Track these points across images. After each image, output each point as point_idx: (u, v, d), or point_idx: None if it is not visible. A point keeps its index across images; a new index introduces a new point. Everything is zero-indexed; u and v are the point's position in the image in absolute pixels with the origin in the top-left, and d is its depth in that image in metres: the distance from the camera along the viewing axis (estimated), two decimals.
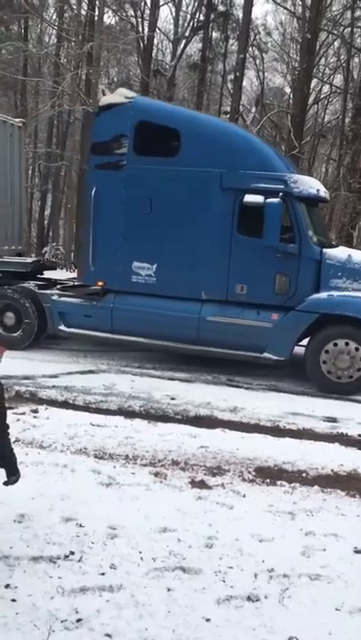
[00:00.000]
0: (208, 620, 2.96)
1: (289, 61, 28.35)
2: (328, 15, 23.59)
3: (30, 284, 9.06)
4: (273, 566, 3.45)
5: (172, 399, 6.86)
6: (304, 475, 4.92)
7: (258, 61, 27.67)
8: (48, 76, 25.76)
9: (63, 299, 8.74)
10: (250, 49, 24.61)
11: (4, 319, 8.93)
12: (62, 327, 8.70)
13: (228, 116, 21.57)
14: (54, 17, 26.99)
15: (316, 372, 7.67)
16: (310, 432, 6.12)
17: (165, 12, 40.50)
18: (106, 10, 24.08)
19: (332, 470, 5.03)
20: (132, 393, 7.00)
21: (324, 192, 8.29)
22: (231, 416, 6.46)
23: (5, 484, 3.31)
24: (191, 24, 26.00)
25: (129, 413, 6.31)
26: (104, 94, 8.53)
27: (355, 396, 7.46)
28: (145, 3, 24.58)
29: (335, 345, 7.54)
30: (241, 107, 22.99)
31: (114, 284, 8.36)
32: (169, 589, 3.18)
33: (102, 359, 8.69)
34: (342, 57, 26.63)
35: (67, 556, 3.40)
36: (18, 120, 11.23)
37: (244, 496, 4.42)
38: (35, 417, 5.83)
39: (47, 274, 10.15)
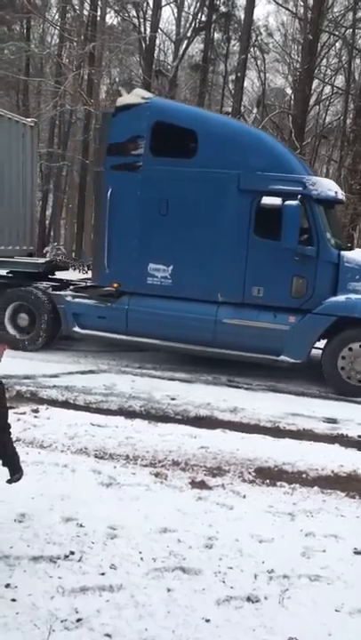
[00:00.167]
0: (208, 620, 2.96)
1: (290, 62, 28.40)
2: (330, 16, 23.64)
3: (44, 285, 8.98)
4: (273, 567, 3.46)
5: (173, 399, 6.86)
6: (304, 475, 4.92)
7: (259, 62, 27.70)
8: (50, 76, 25.82)
9: (77, 300, 8.66)
10: (251, 50, 24.64)
11: (17, 320, 8.86)
12: (76, 328, 8.64)
13: (230, 116, 21.54)
14: (56, 17, 27.06)
15: (333, 375, 7.61)
16: (310, 433, 6.12)
17: (167, 13, 40.58)
18: (108, 10, 24.15)
19: (332, 471, 5.03)
20: (132, 393, 7.01)
21: (341, 194, 8.22)
22: (231, 416, 6.46)
23: (9, 481, 3.33)
24: (193, 25, 26.05)
25: (129, 413, 6.31)
26: (121, 95, 8.46)
27: (355, 397, 7.46)
28: (147, 3, 24.64)
29: (350, 350, 7.48)
30: (242, 107, 23.03)
31: (129, 285, 8.30)
32: (169, 590, 3.18)
33: (103, 359, 8.69)
34: (344, 58, 26.67)
35: (67, 556, 3.41)
36: (30, 120, 11.18)
37: (244, 497, 4.42)
38: (35, 417, 5.84)
39: (58, 274, 10.06)
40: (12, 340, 8.55)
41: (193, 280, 7.97)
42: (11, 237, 10.13)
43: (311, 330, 7.58)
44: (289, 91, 29.27)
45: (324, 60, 26.61)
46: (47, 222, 31.32)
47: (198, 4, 25.96)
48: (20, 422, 5.47)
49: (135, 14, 25.84)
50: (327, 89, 28.27)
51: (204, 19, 26.00)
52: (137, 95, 8.32)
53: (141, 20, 25.69)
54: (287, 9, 26.45)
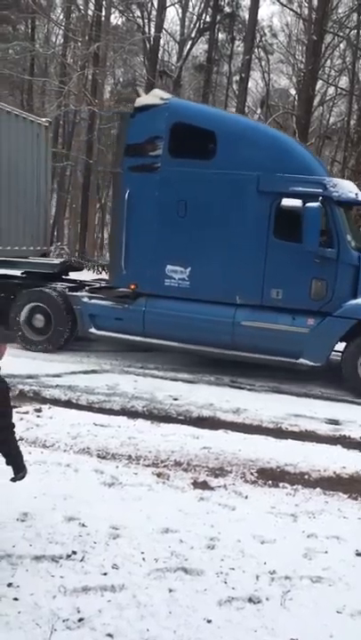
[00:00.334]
0: (209, 621, 2.97)
1: (294, 63, 28.36)
2: (334, 17, 23.58)
3: (60, 286, 8.95)
4: (275, 568, 3.46)
5: (175, 400, 6.86)
6: (306, 477, 4.92)
7: (263, 63, 27.73)
8: (54, 76, 25.83)
9: (94, 301, 8.63)
10: (255, 50, 24.65)
11: (33, 321, 8.81)
12: (92, 330, 8.61)
13: None
14: (61, 17, 27.09)
15: (353, 378, 7.57)
16: (313, 434, 6.12)
17: (172, 14, 40.58)
18: (112, 10, 24.18)
19: (335, 472, 5.03)
20: (135, 393, 7.01)
21: None
22: (234, 417, 6.46)
23: (12, 480, 3.34)
24: (197, 25, 26.04)
25: (132, 413, 6.32)
26: (139, 95, 8.44)
27: (357, 399, 7.45)
28: (152, 4, 24.63)
29: None
30: (246, 108, 23.03)
31: (146, 287, 8.27)
32: (171, 590, 3.19)
33: (105, 359, 8.70)
34: (348, 59, 26.60)
35: (69, 556, 3.41)
36: (44, 120, 11.16)
37: (246, 497, 4.42)
38: (38, 416, 5.85)
39: (70, 275, 10.01)
40: (12, 337, 8.54)
41: (211, 282, 7.91)
42: (25, 238, 10.11)
43: (331, 333, 7.52)
44: (293, 91, 29.27)
45: (329, 61, 26.60)
46: (51, 222, 31.37)
47: (203, 5, 25.96)
48: (23, 422, 5.48)
49: (140, 15, 25.84)
50: (331, 90, 28.23)
51: (208, 19, 26.00)
52: (155, 96, 8.29)
53: (146, 21, 25.69)
54: (292, 10, 26.41)
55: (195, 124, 7.96)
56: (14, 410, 3.43)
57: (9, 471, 3.35)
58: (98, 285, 9.46)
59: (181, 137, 7.92)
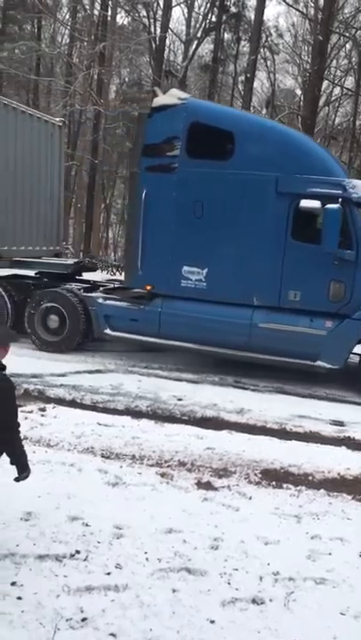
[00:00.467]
0: (213, 621, 2.96)
1: (300, 63, 28.36)
2: (340, 17, 23.55)
3: (75, 287, 8.91)
4: (278, 569, 3.45)
5: (179, 400, 6.86)
6: (310, 478, 4.91)
7: (269, 63, 27.71)
8: (60, 76, 25.89)
9: (109, 302, 8.60)
10: (261, 50, 24.62)
11: (47, 322, 8.76)
12: (107, 331, 8.58)
13: None
14: (67, 17, 27.13)
15: None
16: (317, 435, 6.10)
17: (178, 13, 40.65)
18: (118, 10, 24.19)
19: (339, 474, 5.01)
20: (139, 393, 7.02)
21: None
22: (238, 418, 6.46)
23: (16, 480, 3.34)
24: (203, 25, 26.01)
25: (136, 413, 6.32)
26: (156, 95, 8.34)
27: None
28: (157, 3, 24.63)
29: None
30: (252, 108, 23.00)
31: (162, 288, 8.23)
32: (174, 590, 3.18)
33: (110, 359, 8.70)
34: (354, 59, 26.59)
35: (72, 555, 3.42)
36: (58, 119, 11.15)
37: (250, 498, 4.42)
38: (42, 415, 5.86)
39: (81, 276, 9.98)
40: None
41: (228, 283, 7.86)
42: (38, 237, 10.09)
43: (349, 335, 7.46)
44: (298, 92, 29.26)
45: (334, 62, 26.58)
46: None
47: (208, 5, 25.94)
48: (28, 421, 5.48)
49: (145, 14, 25.85)
50: (337, 90, 28.20)
51: (214, 19, 25.98)
52: (173, 96, 8.24)
53: (152, 21, 25.69)
54: (298, 10, 26.38)
55: (213, 124, 7.90)
56: (19, 409, 3.43)
57: (13, 471, 3.36)
58: (112, 286, 9.43)
59: (199, 137, 7.86)
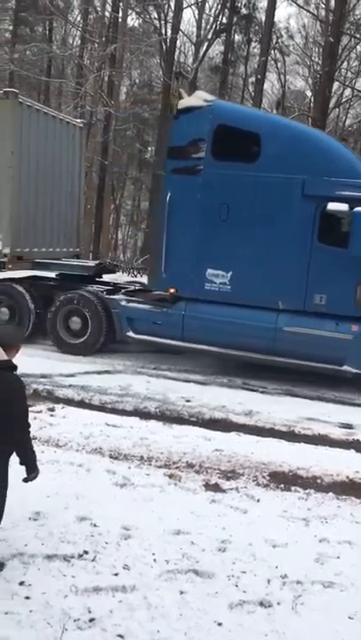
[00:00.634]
0: (220, 624, 2.96)
1: (311, 65, 28.25)
2: (351, 19, 23.45)
3: (97, 289, 8.89)
4: (286, 572, 3.44)
5: (188, 401, 6.86)
6: (319, 481, 4.89)
7: (279, 64, 27.65)
8: (71, 78, 25.97)
9: (132, 304, 8.57)
10: (272, 52, 24.56)
11: (69, 324, 8.74)
12: (130, 333, 8.56)
13: None
14: (78, 19, 27.20)
15: None
16: (326, 438, 6.08)
17: (188, 15, 40.50)
18: (129, 12, 24.24)
19: (348, 477, 4.99)
20: (147, 394, 7.02)
21: None
22: (246, 420, 6.44)
23: (25, 480, 3.35)
24: (214, 27, 26.00)
25: (144, 414, 6.33)
26: (181, 97, 8.28)
27: None
28: (168, 5, 24.64)
29: None
30: (262, 109, 22.94)
31: (186, 291, 8.19)
32: (182, 592, 3.18)
33: (118, 360, 8.71)
34: None
35: (81, 556, 3.42)
36: (79, 121, 11.18)
37: (258, 501, 4.41)
38: (51, 415, 5.88)
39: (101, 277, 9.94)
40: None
41: (253, 286, 7.80)
42: (59, 238, 10.10)
43: None
44: (309, 93, 29.15)
45: (345, 63, 26.43)
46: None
47: (219, 7, 25.93)
48: (37, 421, 5.50)
49: (156, 16, 25.87)
50: (347, 92, 28.02)
51: (224, 21, 25.97)
52: (199, 98, 8.22)
53: (162, 22, 25.70)
54: (308, 11, 26.29)
55: (238, 126, 7.85)
56: (28, 409, 3.45)
57: (21, 471, 3.37)
58: (133, 288, 9.40)
59: (225, 139, 7.81)
